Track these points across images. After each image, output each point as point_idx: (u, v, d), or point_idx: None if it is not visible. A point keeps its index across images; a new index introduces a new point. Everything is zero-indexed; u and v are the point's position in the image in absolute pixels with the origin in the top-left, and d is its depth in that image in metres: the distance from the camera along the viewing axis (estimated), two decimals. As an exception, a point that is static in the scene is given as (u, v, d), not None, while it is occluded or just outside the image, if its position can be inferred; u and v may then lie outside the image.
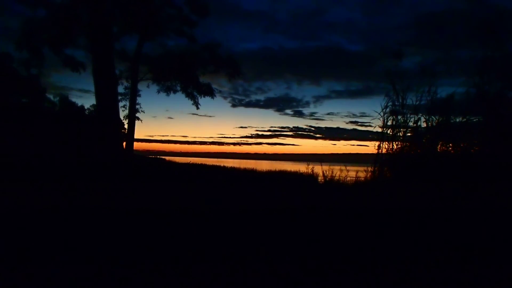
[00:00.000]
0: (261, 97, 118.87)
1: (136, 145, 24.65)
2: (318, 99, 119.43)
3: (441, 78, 9.42)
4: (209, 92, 25.26)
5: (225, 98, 78.54)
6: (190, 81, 24.92)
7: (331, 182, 8.85)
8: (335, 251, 3.19)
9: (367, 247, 3.34)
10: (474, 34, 9.43)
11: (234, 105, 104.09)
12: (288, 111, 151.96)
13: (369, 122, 14.10)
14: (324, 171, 9.28)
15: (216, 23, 54.67)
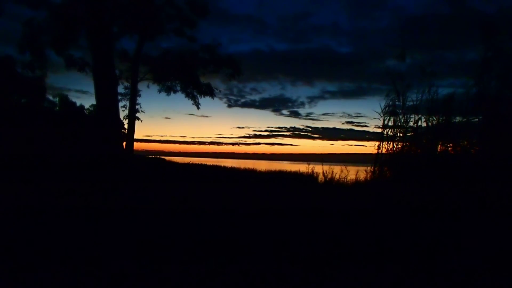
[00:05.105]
0: (256, 97, 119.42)
1: (135, 145, 24.61)
2: (313, 99, 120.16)
3: (438, 78, 9.45)
4: (209, 92, 25.23)
5: (220, 98, 78.80)
6: (190, 81, 24.90)
7: (331, 182, 8.85)
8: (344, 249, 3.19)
9: (372, 244, 3.35)
10: (463, 36, 9.50)
11: (230, 106, 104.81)
12: (284, 111, 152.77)
13: (365, 123, 14.20)
14: (324, 171, 9.28)
15: (206, 27, 55.58)
